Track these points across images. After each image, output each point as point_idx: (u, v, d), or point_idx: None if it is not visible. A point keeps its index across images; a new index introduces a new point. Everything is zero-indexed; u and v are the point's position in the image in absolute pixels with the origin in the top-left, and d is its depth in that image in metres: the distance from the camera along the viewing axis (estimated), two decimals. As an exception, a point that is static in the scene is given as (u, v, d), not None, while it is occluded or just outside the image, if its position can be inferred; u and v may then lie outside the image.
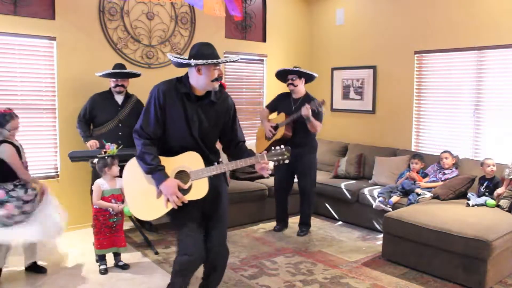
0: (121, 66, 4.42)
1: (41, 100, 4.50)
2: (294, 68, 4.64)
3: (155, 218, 2.61)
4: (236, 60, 2.72)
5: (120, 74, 4.32)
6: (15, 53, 4.31)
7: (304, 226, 4.74)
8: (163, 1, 5.07)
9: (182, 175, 2.56)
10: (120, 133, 4.31)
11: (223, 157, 2.92)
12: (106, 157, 3.61)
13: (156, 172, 2.48)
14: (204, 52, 2.52)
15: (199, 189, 2.54)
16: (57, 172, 4.61)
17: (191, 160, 2.56)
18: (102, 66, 4.64)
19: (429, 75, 5.21)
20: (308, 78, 4.67)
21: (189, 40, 5.35)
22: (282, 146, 2.61)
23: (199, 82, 2.55)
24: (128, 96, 4.46)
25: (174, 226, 2.73)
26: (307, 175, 4.63)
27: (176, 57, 2.56)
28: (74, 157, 3.91)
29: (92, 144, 4.17)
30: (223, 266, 2.78)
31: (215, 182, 2.67)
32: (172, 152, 2.59)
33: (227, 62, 2.67)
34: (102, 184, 3.61)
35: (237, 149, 2.78)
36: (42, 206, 3.46)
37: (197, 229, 2.60)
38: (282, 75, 4.70)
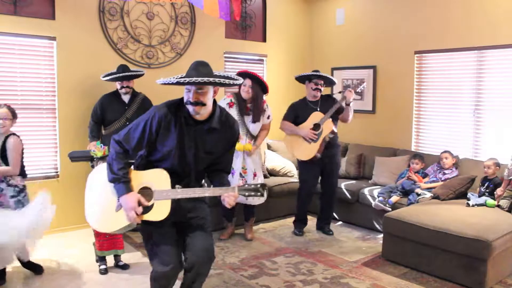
0: (124, 67, 4.43)
1: (41, 100, 4.50)
2: (325, 74, 4.55)
3: (112, 231, 2.49)
4: (206, 82, 2.30)
5: (124, 77, 4.33)
6: (15, 53, 4.31)
7: (329, 224, 4.76)
8: (163, 1, 5.07)
9: (146, 191, 2.40)
10: None
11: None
12: (95, 159, 3.63)
13: (119, 183, 2.35)
14: (188, 72, 2.36)
15: (159, 211, 2.36)
16: (57, 172, 4.61)
17: (158, 178, 2.39)
18: (102, 66, 4.65)
19: (429, 75, 5.21)
20: (329, 83, 4.72)
21: (189, 40, 5.35)
22: (259, 183, 2.36)
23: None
24: (134, 95, 4.48)
25: (144, 235, 2.57)
26: (335, 175, 4.66)
27: (164, 81, 2.38)
28: (74, 157, 3.91)
29: (91, 146, 4.20)
30: (205, 274, 2.58)
31: (187, 205, 2.50)
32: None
33: (186, 83, 2.31)
34: None
35: (217, 175, 2.59)
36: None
37: (170, 237, 2.45)
38: (303, 78, 4.66)
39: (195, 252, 2.46)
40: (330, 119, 4.43)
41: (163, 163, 2.44)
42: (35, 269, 3.55)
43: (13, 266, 3.48)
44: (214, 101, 2.47)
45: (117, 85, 4.39)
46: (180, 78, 2.32)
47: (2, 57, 4.24)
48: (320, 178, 4.69)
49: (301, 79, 4.70)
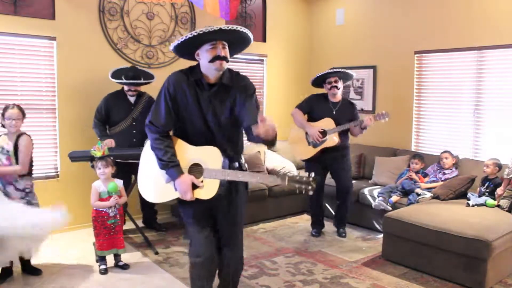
0: (135, 70, 4.40)
1: (41, 100, 4.50)
2: (336, 70, 4.38)
3: (161, 201, 2.54)
4: (231, 29, 2.28)
5: (133, 83, 4.31)
6: (15, 53, 4.31)
7: (344, 225, 4.67)
8: (163, 1, 5.07)
9: (196, 168, 2.42)
10: (134, 132, 4.36)
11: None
12: (95, 159, 3.64)
13: (168, 169, 2.38)
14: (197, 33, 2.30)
15: (207, 189, 2.38)
16: (57, 172, 4.61)
17: (209, 156, 2.39)
18: (102, 66, 4.65)
19: (429, 75, 5.21)
20: (346, 78, 4.53)
21: (189, 40, 5.34)
22: (312, 176, 2.21)
23: (203, 66, 2.40)
24: (140, 95, 4.47)
25: (184, 222, 2.68)
26: (347, 175, 4.55)
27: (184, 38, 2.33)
28: (74, 157, 3.92)
29: (108, 143, 4.15)
30: (237, 281, 2.77)
31: (234, 186, 2.52)
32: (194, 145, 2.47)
33: (207, 31, 2.25)
34: (98, 186, 3.61)
35: (250, 133, 2.40)
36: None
37: (206, 228, 2.52)
38: (319, 82, 4.51)
39: (228, 264, 2.62)
40: (337, 133, 4.34)
41: (194, 135, 2.44)
42: (34, 272, 3.54)
43: (13, 267, 3.49)
44: None
45: (124, 86, 4.38)
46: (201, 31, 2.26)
47: (2, 57, 4.24)
48: (334, 179, 4.62)
49: (316, 83, 4.56)
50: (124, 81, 4.28)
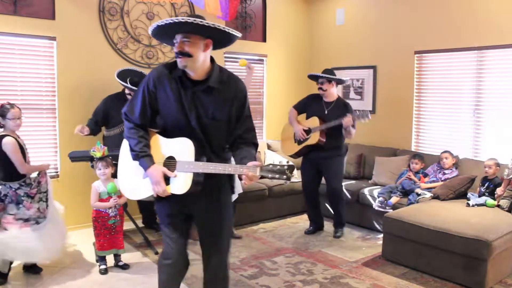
0: (141, 76, 4.35)
1: (41, 100, 4.50)
2: (321, 74, 4.52)
3: (139, 198, 2.43)
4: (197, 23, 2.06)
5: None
6: (15, 53, 4.31)
7: (339, 226, 4.66)
8: (163, 1, 5.07)
9: (171, 162, 2.28)
10: None
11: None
12: (95, 159, 3.64)
13: (140, 159, 2.27)
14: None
15: (181, 184, 2.21)
16: (57, 172, 4.61)
17: (182, 148, 2.24)
18: (102, 66, 4.65)
19: (429, 75, 5.21)
20: (339, 82, 4.64)
21: (189, 40, 5.34)
22: (286, 164, 2.07)
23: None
24: None
25: (159, 221, 2.52)
26: (335, 177, 4.55)
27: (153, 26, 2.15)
28: (74, 157, 3.92)
29: (79, 127, 4.16)
30: None
31: (216, 184, 2.31)
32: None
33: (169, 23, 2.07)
34: (98, 186, 3.61)
35: (236, 148, 2.32)
36: (49, 216, 3.48)
37: (179, 230, 2.36)
38: (314, 77, 4.64)
39: (208, 271, 2.43)
40: (319, 132, 4.42)
41: (176, 133, 2.28)
42: (33, 270, 3.55)
43: (13, 265, 3.49)
44: (212, 59, 2.30)
45: (126, 89, 4.35)
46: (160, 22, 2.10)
47: (2, 57, 4.24)
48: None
49: (311, 77, 4.70)
50: (128, 85, 4.25)
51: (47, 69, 4.50)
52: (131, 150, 2.31)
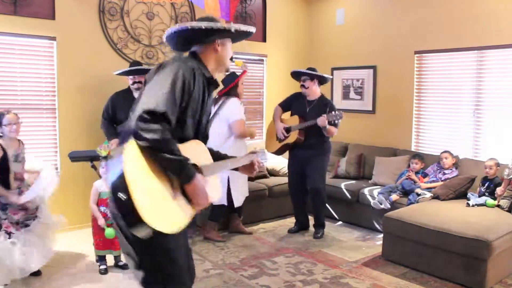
0: (138, 63, 4.44)
1: (41, 100, 4.50)
2: (304, 70, 4.54)
3: (178, 230, 1.75)
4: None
5: (137, 71, 4.30)
6: (15, 53, 4.31)
7: (318, 227, 4.61)
8: (163, 1, 5.07)
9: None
10: None
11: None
12: (100, 158, 3.63)
13: (186, 167, 1.77)
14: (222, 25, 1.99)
15: (215, 189, 1.98)
16: (57, 172, 4.61)
17: (197, 151, 1.93)
18: (102, 66, 4.65)
19: (429, 75, 5.21)
20: (321, 80, 4.61)
21: (189, 40, 5.34)
22: (257, 150, 2.18)
23: (220, 61, 2.08)
24: None
25: (161, 255, 1.86)
26: (316, 176, 4.50)
27: (199, 25, 1.93)
28: (74, 157, 3.91)
29: (113, 142, 4.10)
30: None
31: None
32: None
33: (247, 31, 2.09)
34: (99, 186, 3.61)
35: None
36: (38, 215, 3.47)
37: (187, 252, 2.07)
38: (297, 75, 4.67)
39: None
40: (297, 131, 4.46)
41: (185, 136, 1.94)
42: (34, 273, 3.52)
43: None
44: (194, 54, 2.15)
45: (129, 80, 4.34)
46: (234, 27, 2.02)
47: (2, 57, 4.24)
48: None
49: (294, 75, 4.74)
50: (128, 68, 4.27)
51: (47, 69, 4.50)
52: (174, 156, 1.73)
